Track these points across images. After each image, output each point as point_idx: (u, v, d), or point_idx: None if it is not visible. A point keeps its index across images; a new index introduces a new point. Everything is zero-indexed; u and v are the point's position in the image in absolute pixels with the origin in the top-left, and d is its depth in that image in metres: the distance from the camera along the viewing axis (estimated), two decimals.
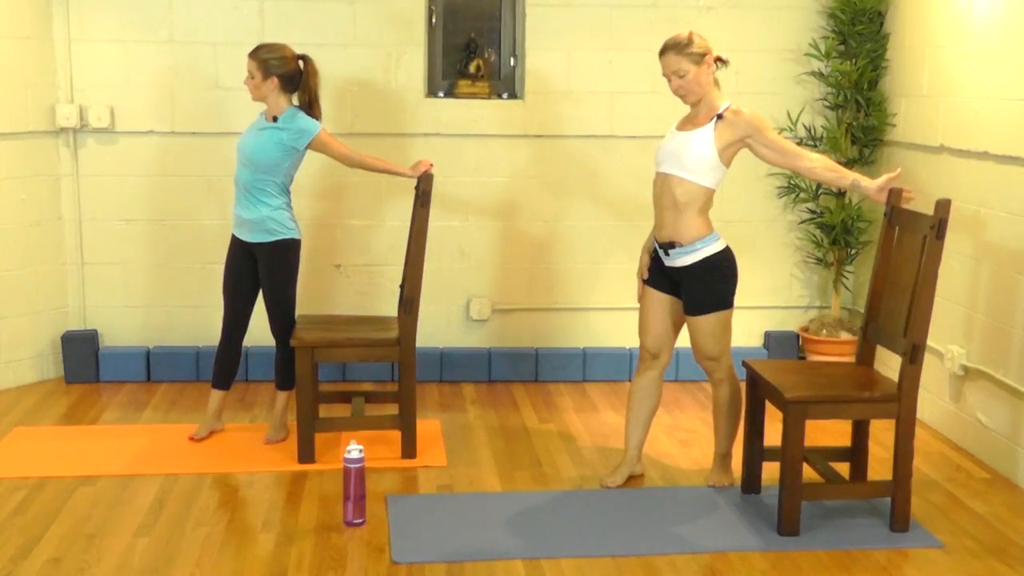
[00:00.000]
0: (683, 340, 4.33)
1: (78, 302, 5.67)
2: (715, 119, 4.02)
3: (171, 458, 4.55)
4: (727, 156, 4.05)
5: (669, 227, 4.09)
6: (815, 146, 5.64)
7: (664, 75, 4.07)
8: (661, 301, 4.24)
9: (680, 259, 4.09)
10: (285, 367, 4.66)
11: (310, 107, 4.56)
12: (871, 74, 5.55)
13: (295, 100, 4.57)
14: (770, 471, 4.16)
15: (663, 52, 4.04)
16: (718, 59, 4.06)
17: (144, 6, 5.47)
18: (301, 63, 4.55)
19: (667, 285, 4.21)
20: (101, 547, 3.72)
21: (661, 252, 4.16)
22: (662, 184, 4.11)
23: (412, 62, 5.61)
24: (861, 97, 5.55)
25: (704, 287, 4.10)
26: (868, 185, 4.06)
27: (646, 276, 4.26)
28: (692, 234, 4.06)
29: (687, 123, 4.12)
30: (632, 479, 4.37)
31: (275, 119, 4.53)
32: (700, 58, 3.99)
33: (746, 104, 4.14)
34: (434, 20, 5.72)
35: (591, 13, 5.63)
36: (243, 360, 5.32)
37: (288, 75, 4.50)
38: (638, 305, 4.33)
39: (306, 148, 4.54)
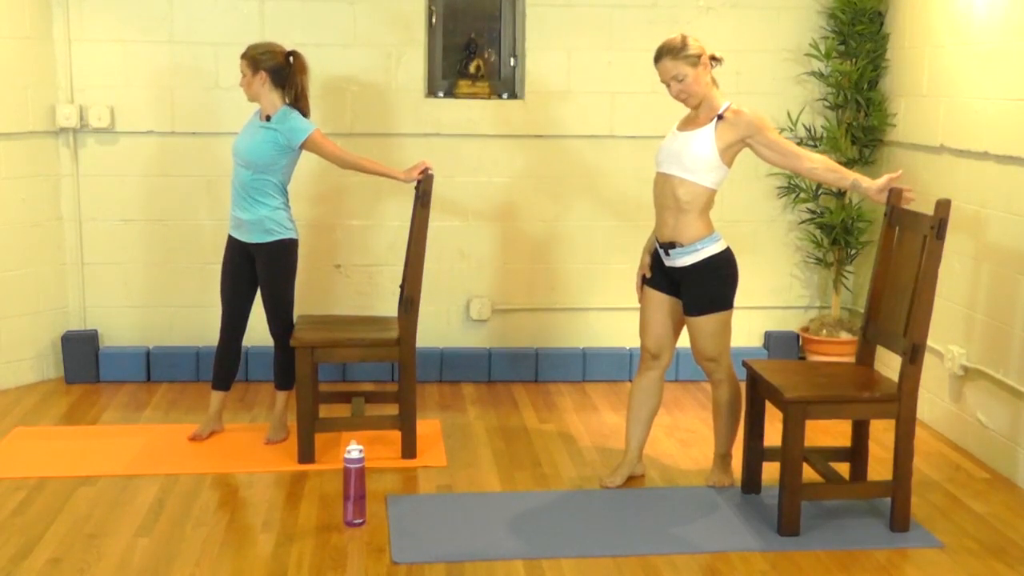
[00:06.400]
0: (684, 340, 4.33)
1: (78, 302, 5.67)
2: (716, 119, 4.02)
3: (171, 458, 4.55)
4: (728, 156, 4.05)
5: (670, 227, 4.09)
6: (815, 146, 5.64)
7: (662, 81, 4.06)
8: (662, 301, 4.23)
9: (680, 259, 4.09)
10: (284, 367, 4.66)
11: (296, 101, 4.56)
12: (871, 74, 5.55)
13: (287, 98, 4.56)
14: (770, 471, 4.16)
15: (658, 59, 4.02)
16: (712, 57, 4.05)
17: (144, 6, 5.47)
18: (290, 58, 4.55)
19: (668, 285, 4.21)
20: (101, 547, 3.72)
21: (661, 252, 4.15)
22: (663, 184, 4.10)
23: (412, 62, 5.61)
24: (861, 97, 5.55)
25: (704, 288, 4.10)
26: (869, 185, 4.06)
27: (649, 275, 4.25)
28: (692, 234, 4.05)
29: (688, 123, 4.12)
30: (632, 479, 4.37)
31: (268, 118, 4.54)
32: (696, 60, 3.98)
33: (746, 104, 4.13)
34: (434, 20, 5.72)
35: (591, 13, 5.63)
36: (243, 360, 5.32)
37: (276, 68, 4.51)
38: (638, 305, 4.33)
39: (300, 148, 4.54)
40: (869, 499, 4.16)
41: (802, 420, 3.82)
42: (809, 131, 5.73)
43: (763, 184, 5.79)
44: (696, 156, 4.00)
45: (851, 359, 4.79)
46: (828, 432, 4.77)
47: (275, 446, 4.70)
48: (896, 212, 4.04)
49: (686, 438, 4.91)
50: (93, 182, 5.58)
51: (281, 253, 4.59)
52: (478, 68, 5.76)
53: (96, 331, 5.65)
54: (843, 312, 5.86)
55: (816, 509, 4.06)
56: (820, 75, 5.70)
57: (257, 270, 4.62)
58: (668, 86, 4.05)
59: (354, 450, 3.90)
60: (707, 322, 4.12)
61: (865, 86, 5.56)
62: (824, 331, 5.69)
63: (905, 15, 5.39)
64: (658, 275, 4.22)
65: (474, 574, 3.58)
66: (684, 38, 3.99)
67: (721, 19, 5.62)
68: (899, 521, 3.90)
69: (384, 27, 5.57)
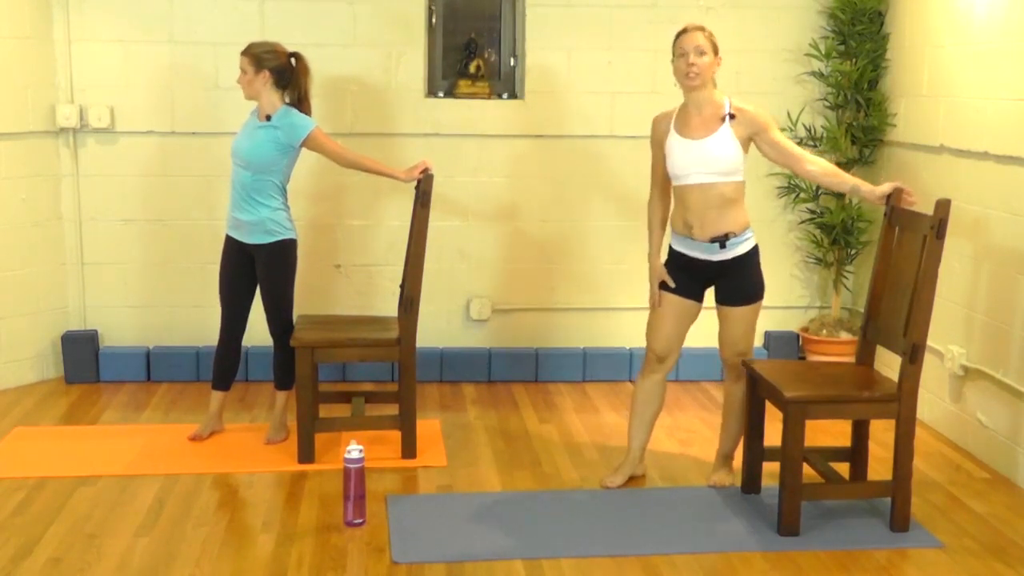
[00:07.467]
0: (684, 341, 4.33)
1: (78, 302, 5.67)
2: (727, 118, 4.04)
3: (171, 458, 4.55)
4: (746, 147, 4.12)
5: (714, 224, 4.07)
6: (815, 146, 5.65)
7: (682, 53, 4.03)
8: (681, 306, 4.21)
9: (737, 248, 4.10)
10: (284, 367, 4.66)
11: (299, 104, 4.57)
12: (871, 74, 5.55)
13: (287, 98, 4.57)
14: (770, 471, 4.16)
15: (686, 30, 4.07)
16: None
17: (144, 6, 5.47)
18: (293, 60, 4.56)
19: (695, 289, 4.19)
20: (101, 547, 3.72)
21: (711, 248, 4.09)
22: (703, 192, 4.06)
23: (412, 62, 5.61)
24: (861, 97, 5.56)
25: (751, 276, 4.15)
26: (870, 190, 4.08)
27: (672, 285, 4.20)
28: (743, 222, 4.11)
29: (694, 129, 4.07)
30: (633, 479, 4.37)
31: (268, 118, 4.54)
32: (717, 48, 4.06)
33: (746, 104, 4.14)
34: (434, 20, 5.72)
35: (591, 13, 5.63)
36: (243, 360, 5.32)
37: (279, 69, 4.51)
38: (641, 306, 4.32)
39: (301, 146, 4.54)
40: (869, 499, 4.16)
41: (802, 420, 3.82)
42: (809, 131, 5.73)
43: (763, 184, 5.79)
44: (727, 158, 4.04)
45: (851, 359, 4.78)
46: (828, 432, 4.77)
47: (275, 446, 4.70)
48: (896, 212, 4.04)
49: (686, 438, 4.91)
50: (93, 182, 5.58)
51: (281, 253, 4.59)
52: (478, 68, 5.76)
53: (96, 331, 5.65)
54: (843, 312, 5.86)
55: (816, 509, 4.06)
56: (820, 75, 5.70)
57: (257, 270, 4.62)
58: (684, 58, 4.02)
59: (354, 450, 3.90)
60: (749, 312, 4.16)
61: (865, 86, 5.56)
62: (824, 331, 5.69)
63: (905, 15, 5.39)
64: (684, 279, 4.19)
65: (474, 574, 3.58)
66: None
67: (721, 19, 5.61)
68: (899, 521, 3.90)
69: (384, 27, 5.57)
